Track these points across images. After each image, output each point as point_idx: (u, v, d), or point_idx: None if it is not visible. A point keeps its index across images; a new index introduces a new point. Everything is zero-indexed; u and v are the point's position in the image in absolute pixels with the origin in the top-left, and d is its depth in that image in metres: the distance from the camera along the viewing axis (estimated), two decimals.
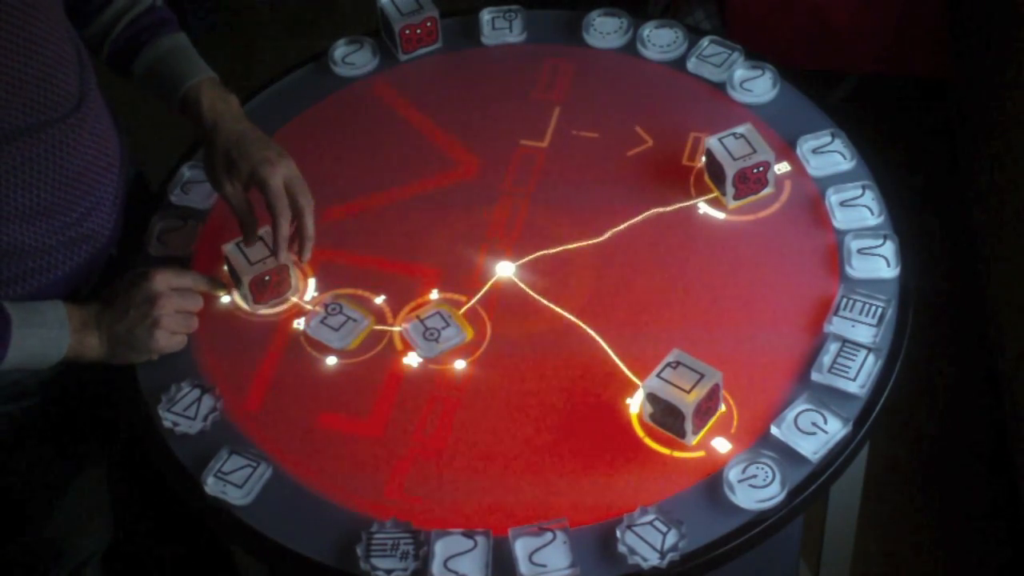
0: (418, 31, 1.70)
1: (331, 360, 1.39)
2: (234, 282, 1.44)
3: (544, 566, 1.18)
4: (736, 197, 1.48)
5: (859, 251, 1.41)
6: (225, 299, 1.45)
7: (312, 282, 1.47)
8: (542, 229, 1.49)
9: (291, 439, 1.32)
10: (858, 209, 1.45)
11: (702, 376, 1.25)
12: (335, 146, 1.62)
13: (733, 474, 1.24)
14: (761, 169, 1.46)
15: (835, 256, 1.42)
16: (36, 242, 1.35)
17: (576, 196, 1.52)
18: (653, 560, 1.18)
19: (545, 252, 1.46)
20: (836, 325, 1.34)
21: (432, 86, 1.70)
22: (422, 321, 1.40)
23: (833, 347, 1.32)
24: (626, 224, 1.48)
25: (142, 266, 1.41)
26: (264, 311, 1.44)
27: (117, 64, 1.51)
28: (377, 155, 1.61)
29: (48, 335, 1.30)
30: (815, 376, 1.31)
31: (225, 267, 1.45)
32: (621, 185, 1.53)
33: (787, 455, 1.25)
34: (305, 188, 1.40)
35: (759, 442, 1.27)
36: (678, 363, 1.27)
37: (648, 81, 1.65)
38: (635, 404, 1.31)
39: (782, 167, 1.51)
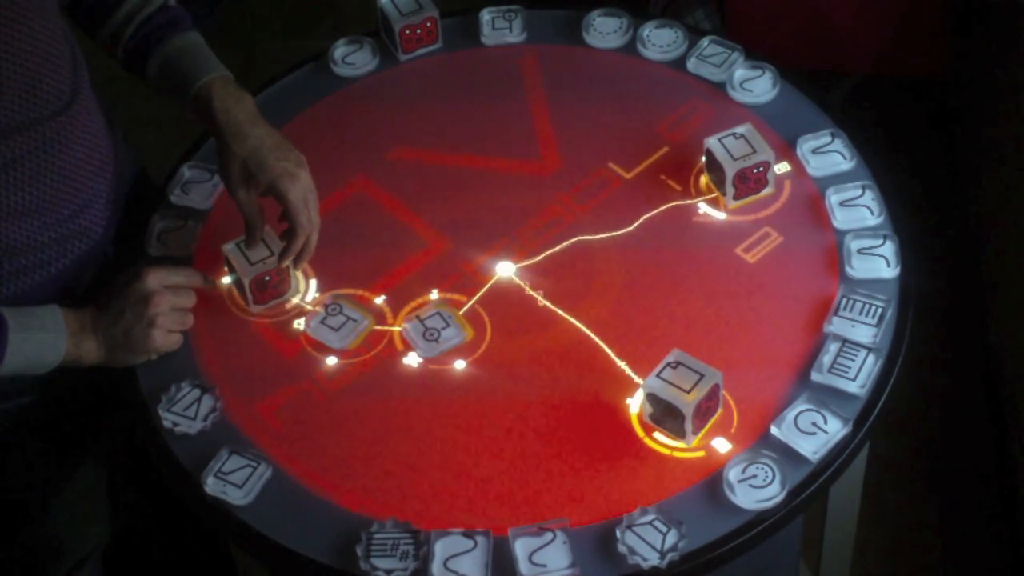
0: (418, 31, 1.70)
1: (331, 360, 1.39)
2: (234, 282, 1.44)
3: (544, 566, 1.18)
4: (736, 197, 1.48)
5: (859, 251, 1.41)
6: (226, 279, 1.45)
7: (313, 282, 1.47)
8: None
9: (299, 451, 1.32)
10: (858, 209, 1.45)
11: (702, 376, 1.25)
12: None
13: (733, 474, 1.24)
14: (761, 169, 1.46)
15: (835, 256, 1.41)
16: (28, 239, 1.35)
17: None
18: (653, 560, 1.18)
19: (545, 254, 1.46)
20: (836, 325, 1.34)
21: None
22: (422, 321, 1.40)
23: (833, 347, 1.32)
24: (625, 228, 1.48)
25: (142, 266, 1.41)
26: (264, 311, 1.44)
27: (132, 67, 1.49)
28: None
29: (45, 339, 1.30)
30: (815, 376, 1.31)
31: (225, 267, 1.45)
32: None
33: (787, 455, 1.25)
34: (317, 204, 1.41)
35: (759, 442, 1.27)
36: (678, 363, 1.27)
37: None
38: (635, 404, 1.31)
39: (782, 167, 1.51)
